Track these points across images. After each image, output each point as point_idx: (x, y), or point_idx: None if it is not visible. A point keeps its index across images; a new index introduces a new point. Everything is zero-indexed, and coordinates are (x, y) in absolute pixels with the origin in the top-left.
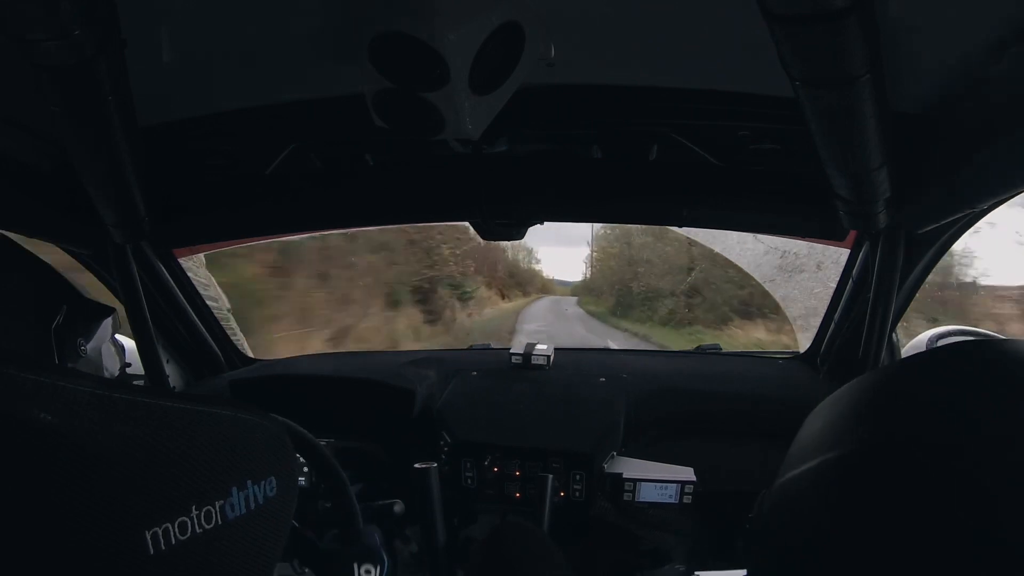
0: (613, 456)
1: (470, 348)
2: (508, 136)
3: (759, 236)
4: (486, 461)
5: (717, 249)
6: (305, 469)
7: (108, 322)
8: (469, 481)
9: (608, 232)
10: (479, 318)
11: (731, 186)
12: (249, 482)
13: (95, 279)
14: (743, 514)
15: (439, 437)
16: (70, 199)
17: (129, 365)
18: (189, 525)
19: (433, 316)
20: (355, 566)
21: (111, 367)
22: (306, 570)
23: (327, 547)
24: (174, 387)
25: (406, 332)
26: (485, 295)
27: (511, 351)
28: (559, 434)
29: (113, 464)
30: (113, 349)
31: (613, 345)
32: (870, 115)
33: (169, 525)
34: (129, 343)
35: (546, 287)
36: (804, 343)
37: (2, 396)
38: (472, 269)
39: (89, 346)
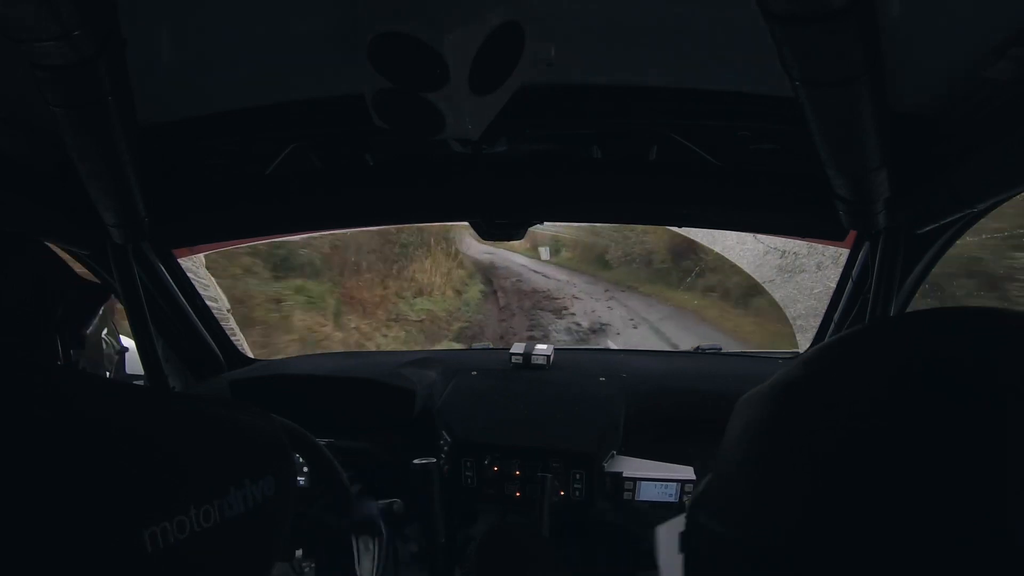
0: (613, 455)
1: (470, 348)
2: (508, 136)
3: (759, 236)
4: (486, 461)
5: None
6: (305, 469)
7: (106, 307)
8: (469, 481)
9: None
10: None
11: (731, 186)
12: (247, 482)
13: (95, 278)
14: None
15: (439, 437)
16: (70, 199)
17: (127, 349)
18: (187, 524)
19: None
20: (353, 539)
21: (110, 351)
22: (306, 569)
23: (316, 516)
24: (174, 387)
25: None
26: None
27: (511, 351)
28: (559, 434)
29: (111, 463)
30: (111, 332)
31: (613, 345)
32: (870, 115)
33: (167, 524)
34: (129, 343)
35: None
36: (804, 343)
37: (1, 394)
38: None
39: (88, 334)
